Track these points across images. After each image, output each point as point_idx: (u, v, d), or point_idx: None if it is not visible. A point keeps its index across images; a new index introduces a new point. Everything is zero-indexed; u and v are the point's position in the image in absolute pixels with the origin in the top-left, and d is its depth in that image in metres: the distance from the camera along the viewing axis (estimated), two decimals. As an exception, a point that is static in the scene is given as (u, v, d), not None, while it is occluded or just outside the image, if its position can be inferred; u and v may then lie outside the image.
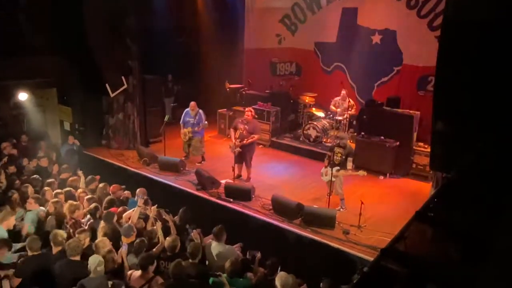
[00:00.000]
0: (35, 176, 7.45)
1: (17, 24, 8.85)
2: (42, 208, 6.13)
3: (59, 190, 6.73)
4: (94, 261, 4.43)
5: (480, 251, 1.92)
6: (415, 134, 9.03)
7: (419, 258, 1.93)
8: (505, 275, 1.80)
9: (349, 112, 10.08)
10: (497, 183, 2.36)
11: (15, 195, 6.46)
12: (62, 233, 4.97)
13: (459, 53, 2.71)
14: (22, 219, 5.92)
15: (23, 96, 9.50)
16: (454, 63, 2.84)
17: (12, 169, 7.86)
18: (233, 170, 8.10)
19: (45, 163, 8.36)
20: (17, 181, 7.27)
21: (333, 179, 6.93)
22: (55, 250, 4.83)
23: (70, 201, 6.05)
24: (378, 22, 10.46)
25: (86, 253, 4.73)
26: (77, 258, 4.62)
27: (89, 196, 6.56)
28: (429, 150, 7.40)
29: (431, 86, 9.46)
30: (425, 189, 7.80)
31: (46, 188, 6.82)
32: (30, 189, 6.65)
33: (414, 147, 8.88)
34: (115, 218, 5.74)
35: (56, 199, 6.21)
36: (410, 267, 1.82)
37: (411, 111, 9.15)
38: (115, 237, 5.28)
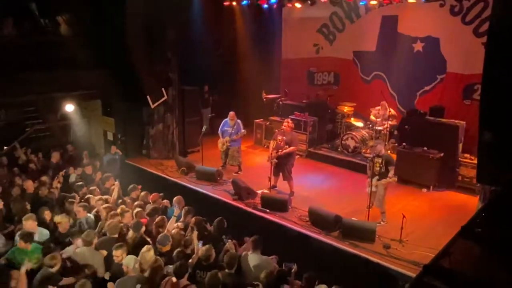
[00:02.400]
0: (79, 183, 7.79)
1: (62, 39, 9.33)
2: (89, 215, 6.36)
3: (101, 197, 7.04)
4: (129, 261, 4.76)
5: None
6: (460, 145, 8.67)
7: (464, 276, 1.84)
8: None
9: (389, 122, 9.83)
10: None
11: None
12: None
13: (507, 59, 2.59)
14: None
15: (69, 107, 9.91)
16: (502, 70, 2.71)
17: (60, 177, 8.26)
18: (269, 180, 8.10)
19: (90, 171, 8.71)
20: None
21: (374, 189, 6.79)
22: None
23: (117, 219, 6.14)
24: (419, 30, 10.20)
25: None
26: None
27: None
28: (476, 161, 7.08)
29: (478, 94, 9.09)
30: (472, 203, 7.43)
31: (89, 195, 7.13)
32: (77, 198, 6.98)
33: (459, 159, 8.52)
34: (143, 228, 5.87)
35: (107, 204, 6.48)
36: (454, 285, 1.74)
37: (456, 121, 8.80)
38: (141, 247, 5.35)
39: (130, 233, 5.70)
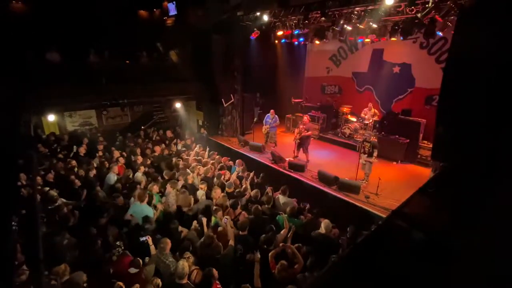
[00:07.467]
0: (183, 148, 8.17)
1: (174, 64, 9.61)
2: (188, 170, 6.57)
3: (195, 157, 7.35)
4: (200, 192, 5.06)
5: (459, 215, 1.72)
6: (421, 135, 8.10)
7: (418, 219, 1.80)
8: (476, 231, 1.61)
9: (374, 118, 9.37)
10: (481, 171, 2.08)
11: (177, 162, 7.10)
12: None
13: (457, 80, 2.39)
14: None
15: (178, 105, 10.28)
16: (454, 87, 2.51)
17: (172, 145, 8.72)
18: (294, 153, 8.06)
19: (189, 142, 9.08)
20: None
21: (364, 162, 6.63)
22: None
23: (200, 167, 6.44)
24: (398, 58, 9.49)
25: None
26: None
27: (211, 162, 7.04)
28: (431, 146, 6.61)
29: (435, 102, 8.43)
30: (426, 173, 7.01)
31: (187, 157, 7.46)
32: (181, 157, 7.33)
33: (420, 143, 7.99)
34: (222, 177, 6.10)
35: (196, 163, 6.78)
36: (412, 224, 1.71)
37: (419, 119, 8.21)
38: (221, 188, 5.61)
39: (215, 179, 5.96)
